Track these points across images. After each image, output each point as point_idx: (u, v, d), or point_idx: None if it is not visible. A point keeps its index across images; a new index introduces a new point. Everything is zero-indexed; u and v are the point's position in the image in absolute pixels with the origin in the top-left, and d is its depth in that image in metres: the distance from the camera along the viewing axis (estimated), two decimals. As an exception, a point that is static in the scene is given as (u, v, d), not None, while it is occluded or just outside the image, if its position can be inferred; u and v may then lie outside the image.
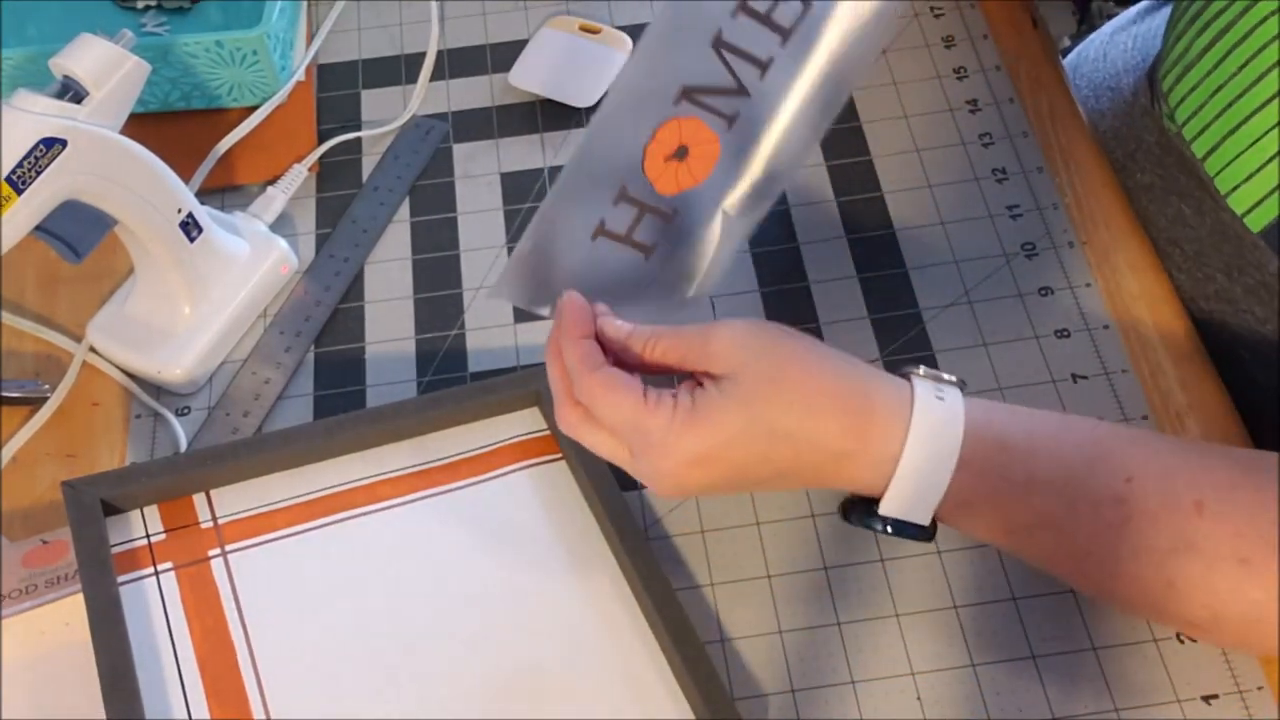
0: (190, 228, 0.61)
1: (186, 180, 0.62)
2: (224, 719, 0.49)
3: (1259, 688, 0.52)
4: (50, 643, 0.55)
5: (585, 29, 0.77)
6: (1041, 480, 0.47)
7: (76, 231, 0.57)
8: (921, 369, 0.50)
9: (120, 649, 0.49)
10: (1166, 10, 0.74)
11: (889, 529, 0.48)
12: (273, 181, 0.70)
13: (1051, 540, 0.48)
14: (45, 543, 0.57)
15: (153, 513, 0.55)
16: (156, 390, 0.64)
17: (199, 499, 0.56)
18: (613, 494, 0.55)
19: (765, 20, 0.49)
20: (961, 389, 0.49)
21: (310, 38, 0.78)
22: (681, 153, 0.50)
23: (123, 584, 0.52)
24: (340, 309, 0.67)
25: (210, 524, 0.55)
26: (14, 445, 0.62)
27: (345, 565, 0.54)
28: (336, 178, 0.72)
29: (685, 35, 0.48)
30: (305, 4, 0.80)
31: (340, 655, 0.52)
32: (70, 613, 0.55)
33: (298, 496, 0.56)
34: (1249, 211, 0.58)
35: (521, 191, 0.71)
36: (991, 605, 0.55)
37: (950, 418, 0.47)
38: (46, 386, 0.64)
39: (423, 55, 0.77)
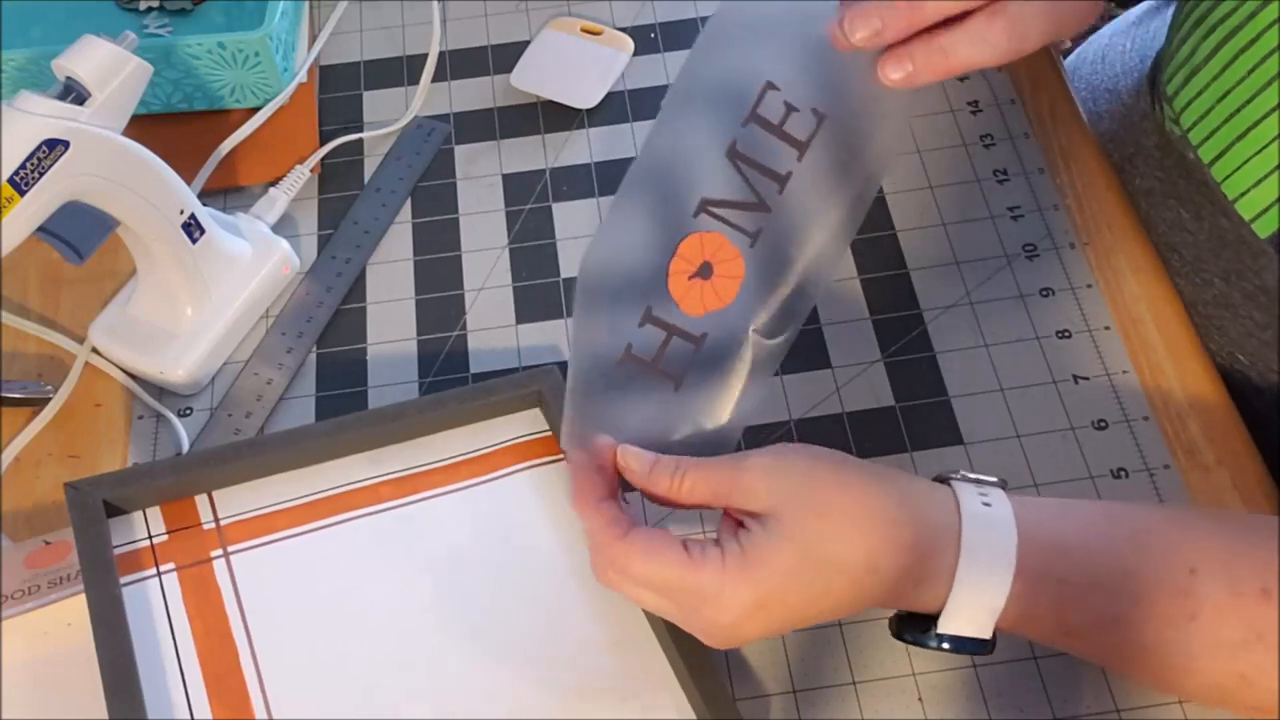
0: (192, 229, 0.61)
1: (189, 181, 0.62)
2: (227, 709, 0.49)
3: (1260, 688, 0.52)
4: (52, 643, 0.55)
5: (587, 30, 0.77)
6: (1103, 582, 0.46)
7: (79, 232, 0.57)
8: (961, 473, 0.48)
9: (122, 649, 0.49)
10: (1167, 13, 0.74)
11: (946, 645, 0.46)
12: (275, 183, 0.70)
13: (1117, 639, 0.46)
14: (48, 543, 0.57)
15: (155, 514, 0.55)
16: (159, 391, 0.64)
17: (201, 500, 0.55)
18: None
19: (779, 132, 0.49)
20: (1003, 487, 0.48)
21: (312, 39, 0.78)
22: (705, 270, 0.50)
23: (125, 585, 0.52)
24: (342, 310, 0.67)
25: (212, 525, 0.54)
26: (16, 446, 0.62)
27: (347, 566, 0.54)
28: (338, 179, 0.72)
29: (699, 142, 0.48)
30: (307, 5, 0.80)
31: (342, 656, 0.52)
32: (72, 613, 0.56)
33: (300, 497, 0.56)
34: (1256, 217, 0.58)
35: (523, 193, 0.71)
36: (993, 606, 0.55)
37: (1001, 524, 0.46)
38: (49, 387, 0.64)
39: (424, 56, 0.77)
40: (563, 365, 0.63)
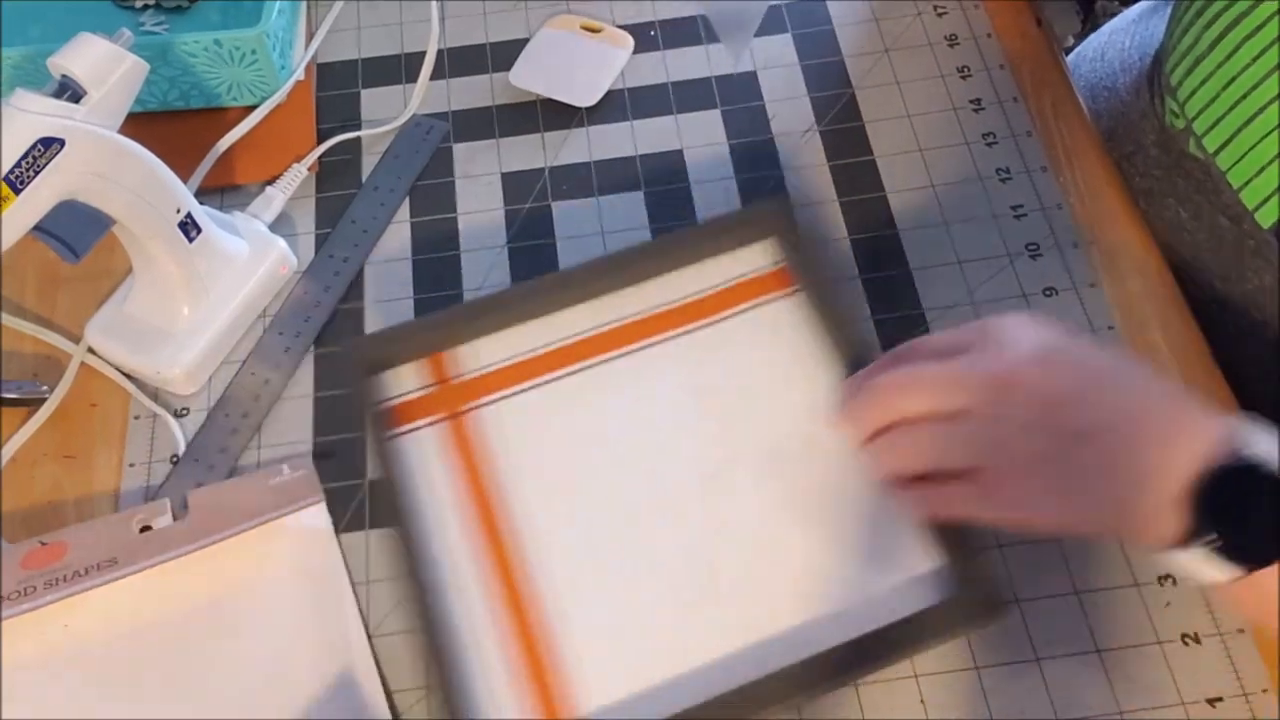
0: (189, 227, 0.61)
1: (185, 180, 0.61)
2: (487, 553, 0.53)
3: (1264, 690, 0.52)
4: (49, 644, 0.55)
5: (586, 28, 0.77)
6: None
7: (75, 231, 0.57)
8: None
9: (396, 492, 0.54)
10: (1166, 11, 0.74)
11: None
12: (272, 181, 0.70)
13: None
14: (43, 544, 0.57)
15: (412, 370, 0.59)
16: (155, 391, 0.64)
17: (451, 355, 0.59)
18: (848, 325, 0.57)
19: None
20: None
21: (310, 36, 0.78)
22: None
23: (393, 437, 0.57)
24: (340, 309, 0.67)
25: (462, 379, 0.58)
26: (12, 446, 0.62)
27: (589, 411, 0.57)
28: (336, 177, 0.72)
29: None
30: (305, 3, 0.79)
31: (587, 495, 0.54)
32: (70, 614, 0.55)
33: (540, 348, 0.59)
34: (1259, 206, 0.58)
35: (522, 191, 0.71)
36: (995, 607, 0.55)
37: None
38: (45, 387, 0.64)
39: (423, 54, 0.77)
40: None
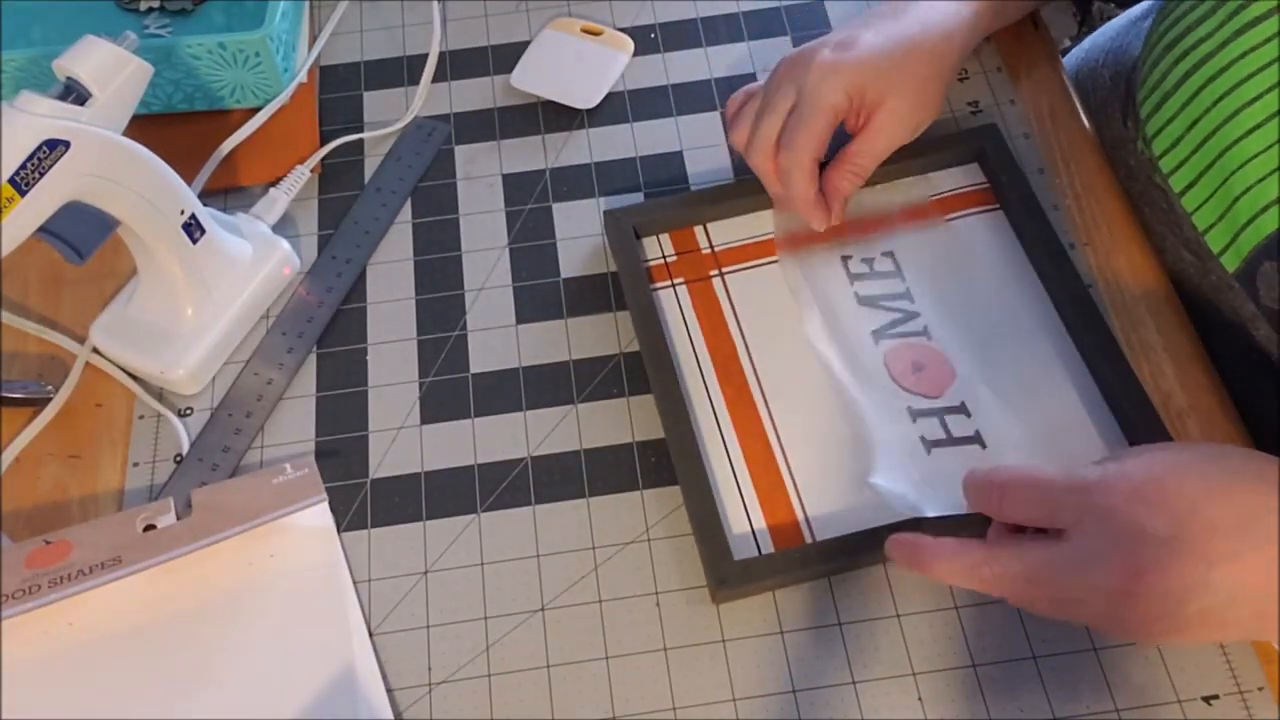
0: (193, 229, 0.62)
1: (189, 181, 0.62)
2: (730, 390, 0.62)
3: (1259, 688, 0.53)
4: (52, 643, 0.55)
5: (587, 31, 0.77)
6: None
7: (79, 233, 0.57)
8: None
9: (659, 335, 0.62)
10: (1142, 27, 0.73)
11: None
12: (275, 183, 0.70)
13: None
14: (48, 543, 0.57)
15: (665, 239, 0.67)
16: (159, 391, 0.64)
17: (699, 230, 0.68)
18: (1039, 243, 0.63)
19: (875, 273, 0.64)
20: None
21: (313, 39, 0.78)
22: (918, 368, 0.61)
23: (654, 289, 0.65)
24: (342, 310, 0.67)
25: (709, 250, 0.67)
26: (17, 446, 0.63)
27: (810, 286, 0.64)
28: (339, 179, 0.73)
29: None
30: (308, 6, 0.80)
31: (811, 351, 0.62)
32: (73, 613, 0.56)
33: (773, 232, 0.67)
34: (1225, 250, 0.57)
35: (523, 193, 0.71)
36: (992, 605, 0.55)
37: None
38: (50, 387, 0.64)
39: (425, 57, 0.77)
40: (563, 364, 0.64)
